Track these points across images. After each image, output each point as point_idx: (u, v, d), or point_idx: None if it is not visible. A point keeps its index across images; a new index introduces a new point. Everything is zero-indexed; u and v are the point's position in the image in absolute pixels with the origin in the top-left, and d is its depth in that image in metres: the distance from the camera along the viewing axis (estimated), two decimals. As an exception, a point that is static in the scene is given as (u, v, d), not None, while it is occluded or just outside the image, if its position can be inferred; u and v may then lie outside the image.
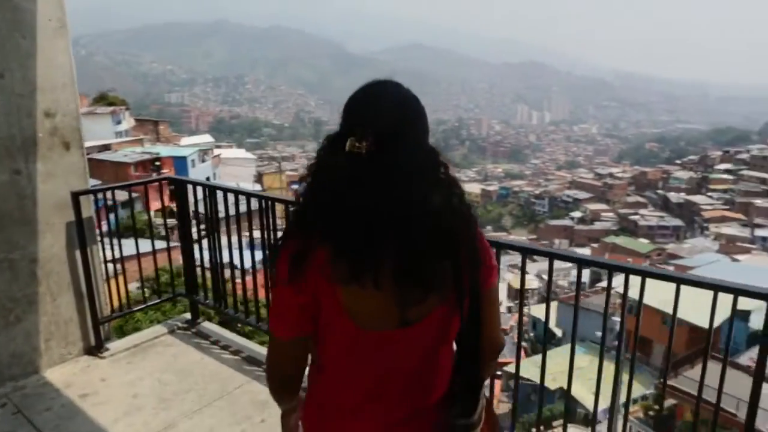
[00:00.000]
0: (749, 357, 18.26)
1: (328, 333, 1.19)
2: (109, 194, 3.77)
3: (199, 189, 3.74)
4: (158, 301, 4.71)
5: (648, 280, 2.23)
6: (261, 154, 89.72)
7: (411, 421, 1.27)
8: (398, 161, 1.11)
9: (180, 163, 34.08)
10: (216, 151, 45.82)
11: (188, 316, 4.22)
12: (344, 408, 1.27)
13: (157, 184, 3.94)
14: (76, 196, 3.30)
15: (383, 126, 1.12)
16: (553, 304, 25.18)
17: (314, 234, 1.12)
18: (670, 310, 2.20)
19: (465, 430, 1.29)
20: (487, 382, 1.47)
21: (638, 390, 19.37)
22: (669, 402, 16.77)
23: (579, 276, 2.39)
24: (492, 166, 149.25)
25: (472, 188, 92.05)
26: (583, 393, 21.30)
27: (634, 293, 2.31)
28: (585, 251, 57.83)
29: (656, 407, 17.86)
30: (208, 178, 39.86)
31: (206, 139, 49.04)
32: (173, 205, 3.90)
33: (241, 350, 3.73)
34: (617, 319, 3.15)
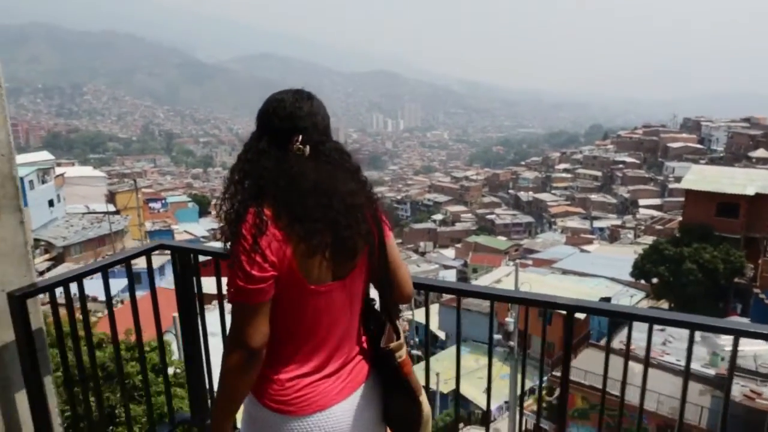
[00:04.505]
0: (619, 341, 19.91)
1: (285, 292, 1.45)
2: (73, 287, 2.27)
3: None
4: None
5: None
6: (109, 170, 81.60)
7: (350, 362, 1.61)
8: (327, 159, 1.50)
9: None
10: (58, 170, 40.55)
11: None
12: (311, 364, 1.53)
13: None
14: (20, 299, 2.02)
15: (316, 132, 1.51)
16: (434, 307, 25.48)
17: (272, 216, 1.41)
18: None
19: (398, 349, 1.62)
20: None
21: (528, 384, 20.23)
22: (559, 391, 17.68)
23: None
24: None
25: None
26: (474, 393, 21.76)
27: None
28: (449, 252, 60.50)
29: (548, 398, 18.71)
30: (51, 201, 35.42)
31: (44, 156, 42.55)
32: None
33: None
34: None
